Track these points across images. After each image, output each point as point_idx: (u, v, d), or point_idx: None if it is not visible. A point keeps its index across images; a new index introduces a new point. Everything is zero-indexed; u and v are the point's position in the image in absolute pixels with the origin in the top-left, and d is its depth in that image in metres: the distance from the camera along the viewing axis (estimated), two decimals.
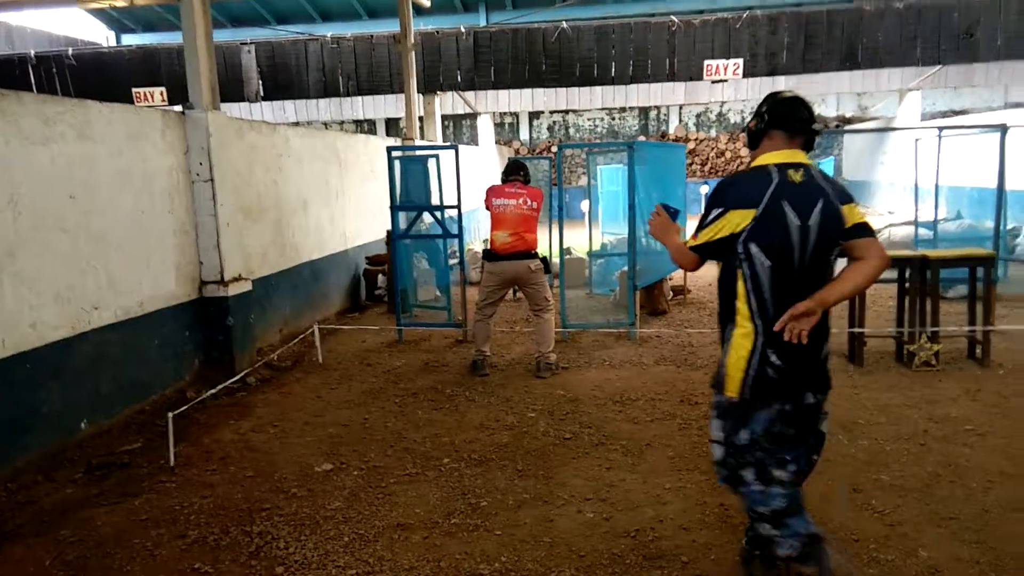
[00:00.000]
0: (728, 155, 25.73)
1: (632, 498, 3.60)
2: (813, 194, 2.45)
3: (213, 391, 5.13)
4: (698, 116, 26.44)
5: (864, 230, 2.48)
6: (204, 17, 6.06)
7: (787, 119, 2.56)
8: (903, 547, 3.08)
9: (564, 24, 14.04)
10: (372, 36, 14.27)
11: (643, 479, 3.82)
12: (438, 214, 7.06)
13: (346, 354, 6.75)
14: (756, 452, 2.58)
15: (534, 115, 27.10)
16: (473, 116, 22.69)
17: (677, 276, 8.92)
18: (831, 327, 2.59)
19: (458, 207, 6.83)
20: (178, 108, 6.06)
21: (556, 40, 13.97)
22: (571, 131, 27.43)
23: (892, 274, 5.87)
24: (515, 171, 6.03)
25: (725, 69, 13.64)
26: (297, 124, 18.51)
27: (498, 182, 6.19)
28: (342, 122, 20.77)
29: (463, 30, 14.21)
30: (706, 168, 25.86)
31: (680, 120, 26.53)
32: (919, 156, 9.76)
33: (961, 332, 5.82)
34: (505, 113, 26.54)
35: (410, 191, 7.93)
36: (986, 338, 5.54)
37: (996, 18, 13.37)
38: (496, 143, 25.96)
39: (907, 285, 5.64)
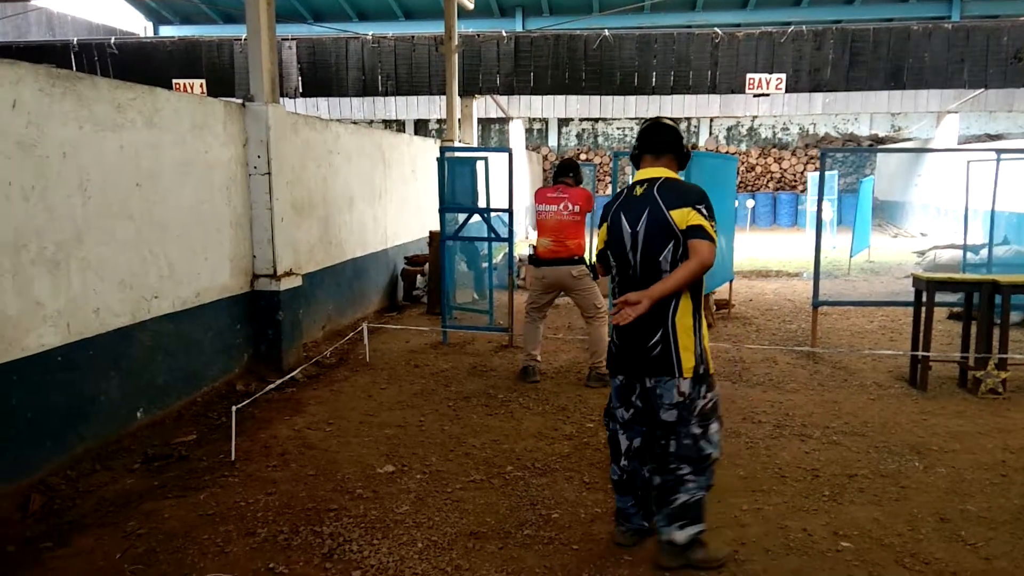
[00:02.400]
0: (759, 170, 25.55)
1: (710, 519, 3.48)
2: (644, 204, 2.89)
3: (272, 386, 5.06)
4: (729, 130, 26.27)
5: (693, 232, 2.80)
6: (268, 10, 6.03)
7: (648, 143, 3.01)
8: None
9: (606, 32, 13.95)
10: (413, 37, 14.25)
11: (717, 499, 3.69)
12: (488, 216, 6.98)
13: (391, 354, 6.68)
14: (608, 422, 3.16)
15: (563, 122, 27.06)
16: (504, 120, 22.68)
17: (720, 291, 8.79)
18: (673, 320, 2.87)
19: (509, 210, 6.75)
20: (231, 100, 6.01)
21: (598, 47, 13.89)
22: (599, 139, 27.38)
23: (954, 297, 5.73)
24: (564, 172, 5.89)
25: (767, 83, 13.49)
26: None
27: (540, 185, 6.11)
28: (372, 121, 20.78)
29: (505, 34, 14.16)
30: (737, 182, 25.69)
31: (711, 132, 26.38)
32: (969, 179, 9.59)
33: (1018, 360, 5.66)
34: (535, 119, 26.51)
35: (456, 193, 7.87)
36: None
37: None
38: (525, 148, 26.00)
39: (974, 310, 5.50)
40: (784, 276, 12.00)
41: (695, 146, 25.91)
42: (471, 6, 12.90)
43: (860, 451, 4.33)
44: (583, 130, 27.53)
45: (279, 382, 5.21)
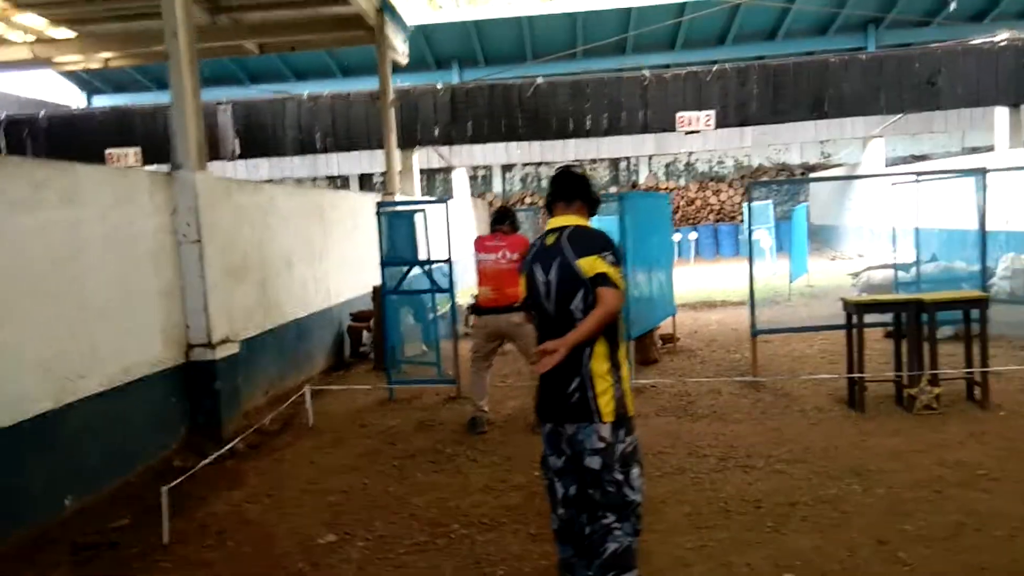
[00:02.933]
0: (698, 203, 26.23)
1: (654, 561, 3.47)
2: (553, 254, 2.93)
3: (207, 460, 4.89)
4: (667, 166, 26.95)
5: (599, 280, 2.82)
6: (191, 76, 6.04)
7: (559, 190, 3.06)
8: None
9: (540, 79, 14.28)
10: (349, 94, 14.36)
11: (662, 540, 3.69)
12: (427, 268, 6.98)
13: (337, 415, 6.55)
14: (545, 471, 3.16)
15: (507, 167, 27.40)
16: (448, 169, 22.89)
17: (665, 325, 8.90)
18: (589, 366, 2.87)
19: (448, 261, 6.76)
20: (157, 168, 5.95)
21: (532, 95, 14.19)
22: (543, 182, 27.75)
23: (886, 318, 5.91)
24: (501, 220, 5.95)
25: (697, 121, 13.93)
26: (270, 181, 18.43)
27: (482, 233, 6.17)
28: (315, 178, 20.76)
29: (440, 87, 14.38)
30: (677, 216, 26.27)
31: (650, 170, 27.03)
32: (892, 201, 10.00)
33: (959, 375, 5.84)
34: (478, 166, 26.81)
35: (397, 246, 7.86)
36: (984, 380, 5.56)
37: (956, 67, 13.91)
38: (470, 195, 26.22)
39: (903, 329, 5.67)
40: (728, 306, 12.23)
41: (635, 184, 26.51)
42: (405, 61, 13.10)
43: (802, 478, 4.38)
44: (527, 174, 27.92)
45: (215, 455, 5.05)
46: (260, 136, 14.56)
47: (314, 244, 8.55)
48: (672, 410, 6.02)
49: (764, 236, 17.73)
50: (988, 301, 5.57)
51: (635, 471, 2.93)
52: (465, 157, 21.34)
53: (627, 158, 26.61)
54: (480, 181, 27.59)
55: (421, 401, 6.95)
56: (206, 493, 4.70)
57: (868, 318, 5.74)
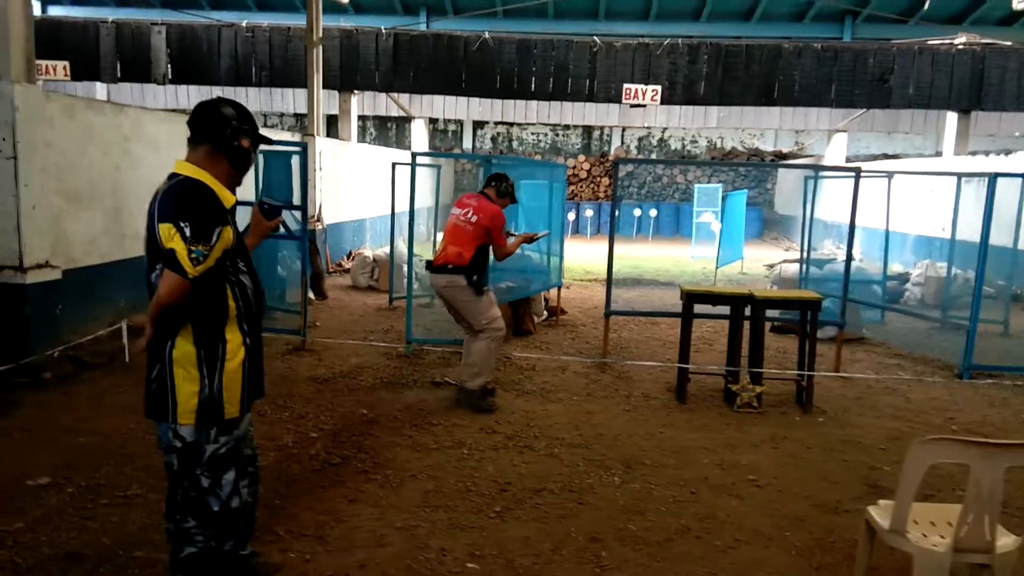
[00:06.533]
0: (665, 180, 25.92)
1: (355, 536, 3.29)
2: (152, 210, 2.41)
3: None
4: (640, 140, 26.55)
5: (167, 258, 2.34)
6: None
7: (190, 126, 2.55)
8: None
9: (487, 34, 13.83)
10: (290, 28, 13.85)
11: (379, 515, 3.51)
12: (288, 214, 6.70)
13: None
14: None
15: (479, 124, 26.87)
16: (407, 120, 22.37)
17: (551, 297, 8.71)
18: (171, 356, 2.42)
19: (303, 207, 6.48)
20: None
21: (478, 49, 13.75)
22: (514, 143, 27.29)
23: (726, 310, 5.73)
24: (488, 183, 5.44)
25: (643, 94, 13.59)
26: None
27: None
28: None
29: (384, 31, 13.89)
30: (643, 191, 26.04)
31: (623, 142, 26.62)
32: (808, 195, 9.80)
33: (784, 375, 5.69)
34: (450, 120, 26.27)
35: (272, 188, 7.56)
36: (809, 383, 5.41)
37: (909, 67, 13.60)
38: (438, 149, 25.67)
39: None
40: (653, 284, 11.99)
41: (604, 155, 26.11)
42: (346, 0, 12.61)
43: (570, 464, 4.22)
44: (498, 134, 27.39)
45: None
46: (193, 62, 14.08)
47: None
48: (503, 384, 5.83)
49: (712, 219, 17.54)
50: (820, 303, 5.38)
51: (228, 475, 2.54)
52: (425, 108, 20.84)
53: (601, 128, 26.19)
54: (450, 136, 27.06)
55: (269, 349, 6.72)
56: None
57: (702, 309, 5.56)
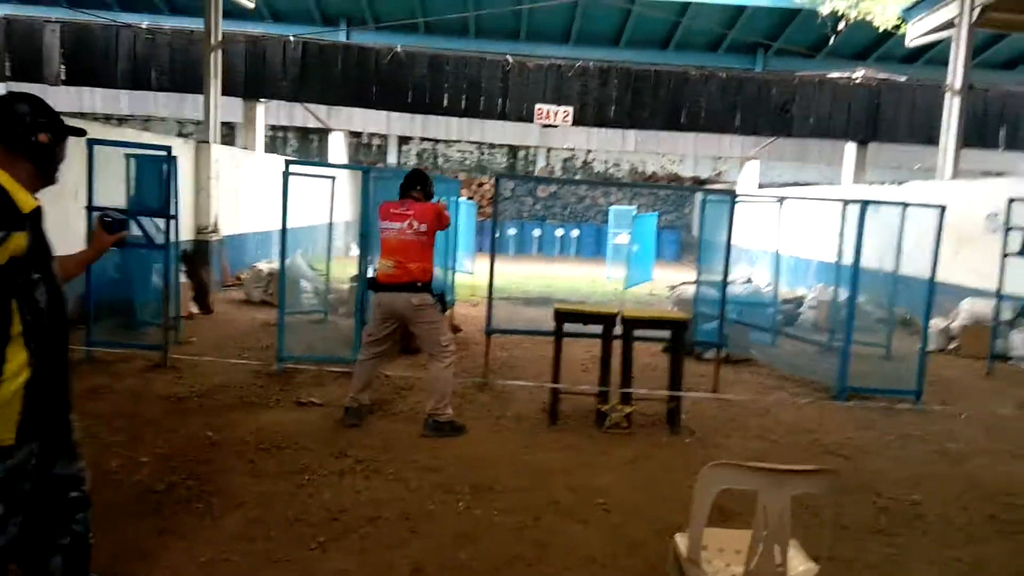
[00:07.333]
0: (588, 201, 26.23)
1: (151, 572, 3.00)
2: None
3: None
4: (564, 161, 26.80)
5: None
6: None
7: None
8: None
9: (399, 48, 13.67)
10: (192, 31, 13.36)
11: (188, 548, 3.23)
12: (147, 221, 6.33)
13: None
14: None
15: (404, 140, 26.61)
16: (325, 132, 21.95)
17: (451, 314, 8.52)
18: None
19: (166, 215, 6.13)
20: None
21: (389, 63, 13.57)
22: (439, 160, 27.12)
23: (598, 329, 5.66)
24: (411, 185, 5.11)
25: (555, 115, 13.67)
26: (104, 116, 17.03)
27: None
28: (148, 118, 19.35)
29: (292, 39, 13.57)
30: (566, 212, 26.27)
31: (547, 163, 26.81)
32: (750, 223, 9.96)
33: (652, 395, 5.66)
34: (375, 135, 25.93)
35: (144, 195, 7.15)
36: (677, 404, 5.37)
37: (811, 98, 14.12)
38: (361, 163, 25.23)
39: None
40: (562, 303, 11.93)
41: (529, 173, 26.24)
42: (251, 5, 12.27)
43: (417, 489, 4.02)
44: (423, 150, 27.19)
45: None
46: (88, 63, 13.42)
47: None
48: (376, 403, 5.60)
49: (625, 240, 17.76)
50: (687, 324, 5.38)
51: None
52: (344, 121, 20.49)
53: (527, 148, 26.34)
54: (375, 151, 26.70)
55: (127, 365, 6.32)
56: None
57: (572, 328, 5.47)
